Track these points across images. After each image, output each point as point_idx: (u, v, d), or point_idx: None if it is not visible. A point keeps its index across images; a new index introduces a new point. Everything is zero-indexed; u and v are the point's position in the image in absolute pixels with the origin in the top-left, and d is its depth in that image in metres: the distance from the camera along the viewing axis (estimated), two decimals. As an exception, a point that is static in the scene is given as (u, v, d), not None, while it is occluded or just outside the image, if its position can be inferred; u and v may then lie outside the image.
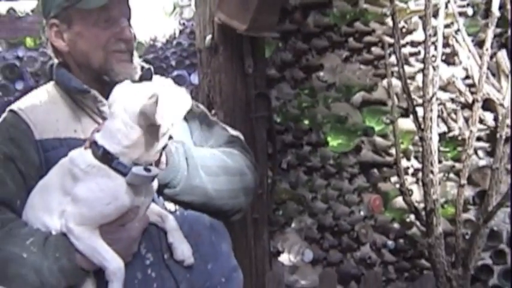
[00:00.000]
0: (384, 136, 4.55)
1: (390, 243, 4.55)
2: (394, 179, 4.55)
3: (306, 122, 4.42)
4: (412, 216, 4.42)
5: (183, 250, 2.02)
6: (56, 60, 2.22)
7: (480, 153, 4.60)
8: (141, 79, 2.16)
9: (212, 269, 2.12)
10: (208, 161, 2.14)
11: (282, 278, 4.10)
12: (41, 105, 2.14)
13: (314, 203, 4.45)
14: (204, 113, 2.40)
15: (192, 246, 2.05)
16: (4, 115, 2.17)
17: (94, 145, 1.88)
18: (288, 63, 4.43)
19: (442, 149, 4.48)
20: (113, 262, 1.86)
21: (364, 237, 4.49)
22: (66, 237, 1.88)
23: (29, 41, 6.78)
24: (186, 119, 2.22)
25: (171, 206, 2.09)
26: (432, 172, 3.83)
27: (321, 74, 4.42)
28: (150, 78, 2.20)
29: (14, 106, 2.15)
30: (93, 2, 2.05)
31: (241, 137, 2.39)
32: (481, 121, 4.39)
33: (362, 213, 4.51)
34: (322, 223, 4.44)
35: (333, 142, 4.39)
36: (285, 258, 4.38)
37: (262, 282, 4.11)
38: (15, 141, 2.07)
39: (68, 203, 1.89)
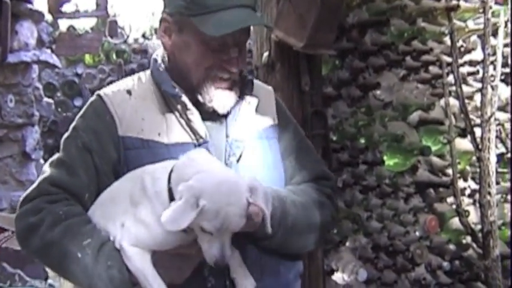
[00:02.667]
0: (441, 156, 4.53)
1: (446, 264, 4.51)
2: (450, 199, 4.53)
3: (362, 140, 4.42)
4: (469, 238, 4.41)
5: (247, 285, 1.98)
6: (159, 52, 2.20)
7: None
8: (242, 92, 2.13)
9: None
10: (299, 219, 2.09)
11: (335, 297, 4.08)
12: (130, 100, 2.12)
13: (369, 222, 4.44)
14: (300, 138, 2.35)
15: (257, 276, 2.01)
16: (92, 99, 2.16)
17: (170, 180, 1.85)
18: (345, 82, 4.45)
19: (499, 170, 4.46)
20: None
21: (419, 258, 4.45)
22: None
23: (88, 58, 6.96)
24: (279, 136, 2.23)
25: None
26: (490, 193, 3.83)
27: (378, 92, 4.42)
28: (251, 89, 2.16)
29: (104, 93, 2.14)
30: (209, 29, 1.97)
31: (331, 175, 2.36)
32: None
33: (417, 233, 4.48)
34: (377, 242, 4.43)
35: (389, 161, 4.38)
36: (338, 277, 4.36)
37: (315, 301, 4.09)
38: (97, 133, 2.07)
39: (130, 217, 1.90)
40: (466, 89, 4.36)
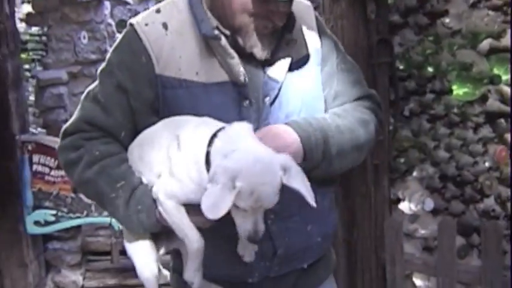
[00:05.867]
0: None
1: None
2: (522, 129, 4.46)
3: (430, 69, 4.42)
4: (541, 169, 4.38)
5: (248, 250, 2.08)
6: None
7: None
8: (283, 32, 2.10)
9: (311, 230, 2.19)
10: (344, 144, 2.11)
11: (401, 225, 4.17)
12: (167, 35, 2.07)
13: (436, 151, 4.46)
14: (342, 58, 2.32)
15: (295, 208, 2.09)
16: (127, 32, 2.12)
17: (211, 143, 1.87)
18: (412, 9, 4.43)
19: None
20: (195, 243, 1.93)
21: (488, 189, 4.45)
22: (151, 193, 1.98)
23: None
24: (322, 61, 2.23)
25: None
26: (561, 122, 3.81)
27: (447, 20, 4.38)
28: (292, 29, 2.13)
29: (139, 27, 2.09)
30: None
31: (374, 93, 2.37)
32: None
33: (487, 164, 4.45)
34: (444, 172, 4.46)
35: (459, 91, 4.38)
36: (405, 206, 4.45)
37: (381, 229, 4.22)
38: (132, 71, 2.07)
39: (166, 170, 1.95)
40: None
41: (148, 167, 2.02)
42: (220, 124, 1.94)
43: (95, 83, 2.14)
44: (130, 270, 5.53)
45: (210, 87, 2.06)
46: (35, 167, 5.09)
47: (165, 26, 2.09)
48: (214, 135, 1.88)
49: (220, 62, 2.07)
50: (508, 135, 4.44)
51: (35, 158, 5.07)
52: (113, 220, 5.04)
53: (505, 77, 4.38)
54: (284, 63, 2.13)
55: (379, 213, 4.22)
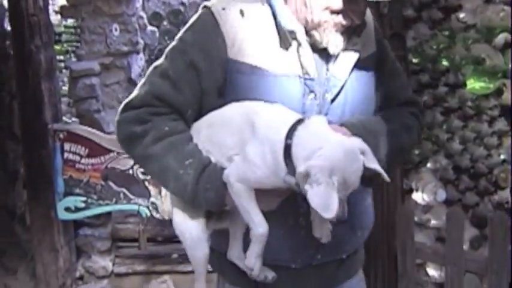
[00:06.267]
0: None
1: None
2: (538, 123, 4.46)
3: (444, 62, 4.47)
4: (556, 164, 4.42)
5: (323, 229, 2.14)
6: None
7: None
8: (352, 31, 2.15)
9: (354, 222, 2.26)
10: (391, 149, 2.19)
11: (412, 214, 4.26)
12: (243, 21, 2.12)
13: (450, 144, 4.51)
14: (393, 63, 2.44)
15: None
16: (203, 13, 2.17)
17: (290, 136, 1.92)
18: (426, 4, 4.49)
19: None
20: (260, 227, 1.99)
21: (503, 182, 4.47)
22: (222, 173, 2.03)
23: None
24: (376, 64, 2.30)
25: None
26: None
27: (461, 15, 4.42)
28: (360, 34, 2.20)
29: (216, 9, 2.13)
30: None
31: (419, 99, 2.47)
32: None
33: (502, 156, 4.48)
34: (458, 164, 4.51)
35: (474, 84, 4.42)
36: (418, 196, 4.52)
37: (392, 218, 4.30)
38: (206, 52, 2.11)
39: (239, 153, 2.00)
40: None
41: (217, 148, 2.07)
42: (294, 114, 2.01)
43: (161, 59, 2.18)
44: (158, 257, 5.77)
45: (280, 77, 2.11)
46: (66, 155, 5.22)
47: (241, 12, 2.13)
48: (293, 128, 1.94)
49: (292, 54, 2.12)
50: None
51: (66, 146, 5.20)
52: (141, 208, 5.23)
53: (521, 71, 4.43)
54: (349, 62, 2.19)
55: (391, 202, 4.31)
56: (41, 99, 5.31)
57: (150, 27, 6.50)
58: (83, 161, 5.23)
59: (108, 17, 5.87)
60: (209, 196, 2.04)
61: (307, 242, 2.20)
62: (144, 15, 6.41)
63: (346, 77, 2.19)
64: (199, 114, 2.18)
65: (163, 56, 2.19)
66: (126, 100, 2.16)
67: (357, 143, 1.93)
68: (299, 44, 2.10)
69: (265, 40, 2.12)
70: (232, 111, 2.09)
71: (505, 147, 4.48)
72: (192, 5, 7.20)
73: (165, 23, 7.18)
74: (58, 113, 5.63)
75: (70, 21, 6.99)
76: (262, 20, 2.14)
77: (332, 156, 1.84)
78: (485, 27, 4.42)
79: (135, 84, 5.70)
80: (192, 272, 5.25)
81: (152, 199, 5.23)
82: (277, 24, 2.12)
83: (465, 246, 4.21)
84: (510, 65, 4.26)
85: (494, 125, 4.52)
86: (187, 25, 2.20)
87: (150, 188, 5.18)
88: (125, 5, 5.92)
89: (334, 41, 2.10)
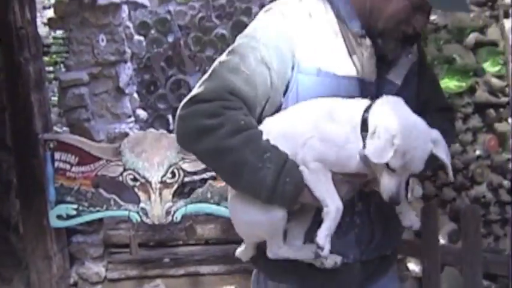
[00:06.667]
0: (501, 77, 4.64)
1: (506, 183, 4.69)
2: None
3: None
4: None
5: (411, 216, 2.20)
6: None
7: None
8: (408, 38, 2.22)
9: (397, 219, 2.26)
10: None
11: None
12: (311, 24, 2.19)
13: (426, 141, 4.60)
14: (429, 69, 2.54)
15: (387, 213, 2.24)
16: (273, 13, 2.23)
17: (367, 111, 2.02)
18: None
19: None
20: (335, 203, 2.02)
21: (479, 177, 4.65)
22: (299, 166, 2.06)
23: None
24: (418, 71, 2.40)
25: None
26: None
27: (432, 17, 4.45)
28: (413, 44, 2.30)
29: (285, 11, 2.20)
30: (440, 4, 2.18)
31: (451, 105, 2.54)
32: None
33: (477, 152, 4.65)
34: (434, 161, 4.61)
35: (449, 83, 4.56)
36: (395, 193, 4.62)
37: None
38: (278, 50, 2.16)
39: (314, 137, 2.04)
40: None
41: (292, 140, 2.09)
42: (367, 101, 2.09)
43: (226, 56, 2.19)
44: (150, 261, 5.87)
45: (342, 79, 2.19)
46: (56, 163, 5.30)
47: (310, 15, 2.21)
48: (370, 105, 2.04)
49: (354, 56, 2.20)
50: (497, 125, 4.63)
51: (57, 155, 5.29)
52: (131, 213, 5.33)
53: (494, 69, 4.57)
54: (404, 68, 2.31)
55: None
56: (31, 110, 5.42)
57: (137, 37, 6.61)
58: (73, 169, 5.32)
59: (95, 28, 5.98)
60: (288, 189, 2.06)
61: (360, 239, 2.29)
62: (131, 25, 6.52)
63: (400, 83, 2.30)
64: (262, 112, 2.21)
65: (228, 53, 2.21)
66: (191, 95, 2.14)
67: (433, 132, 2.00)
68: (366, 49, 2.19)
69: (329, 41, 2.20)
70: (304, 106, 2.14)
71: (479, 143, 4.61)
72: (178, 13, 7.29)
73: (152, 31, 7.27)
74: (48, 123, 5.75)
75: (59, 33, 7.10)
76: (327, 20, 2.22)
77: (399, 122, 1.93)
78: (456, 28, 4.57)
79: (123, 92, 5.87)
80: (184, 275, 5.38)
81: (142, 204, 5.30)
82: (341, 26, 2.21)
83: (444, 241, 4.34)
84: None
85: (468, 122, 4.68)
86: (256, 24, 2.25)
87: (140, 193, 5.28)
88: (112, 16, 6.03)
89: (394, 48, 2.20)
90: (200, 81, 2.17)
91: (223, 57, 2.20)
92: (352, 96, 2.15)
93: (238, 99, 2.09)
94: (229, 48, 2.22)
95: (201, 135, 2.07)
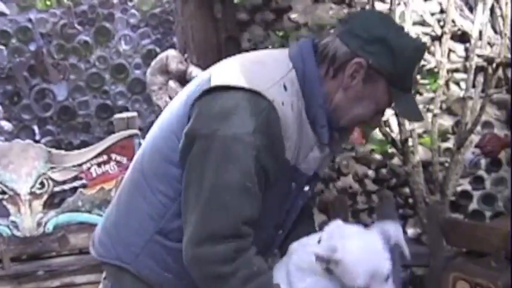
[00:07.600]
0: None
1: (370, 172, 4.92)
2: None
3: None
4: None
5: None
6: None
7: (462, 84, 4.84)
8: None
9: None
10: None
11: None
12: (292, 117, 2.05)
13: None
14: None
15: None
16: (266, 113, 1.97)
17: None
18: (258, 6, 4.80)
19: (422, 81, 4.86)
20: None
21: (345, 168, 4.84)
22: None
23: (39, 4, 7.24)
24: None
25: None
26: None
27: (293, 16, 4.75)
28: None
29: (278, 106, 2.00)
30: (401, 107, 2.19)
31: None
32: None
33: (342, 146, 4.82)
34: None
35: None
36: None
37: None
38: (275, 157, 2.03)
39: None
40: (381, 6, 4.68)
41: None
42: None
43: (217, 170, 1.98)
44: (23, 275, 5.77)
45: (299, 171, 2.15)
46: None
47: (292, 107, 2.06)
48: None
49: (315, 151, 2.16)
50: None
51: None
52: (1, 227, 5.22)
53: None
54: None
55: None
56: None
57: (-3, 46, 6.50)
58: None
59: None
60: None
61: None
62: (-12, 34, 6.40)
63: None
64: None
65: (218, 163, 1.99)
66: (200, 232, 2.00)
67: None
68: (321, 143, 2.16)
69: (298, 129, 2.09)
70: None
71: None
72: (39, 21, 7.19)
73: (13, 40, 7.15)
74: None
75: None
76: (301, 115, 2.10)
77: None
78: (316, 25, 4.75)
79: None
80: (59, 287, 5.28)
81: (12, 217, 5.14)
82: (319, 134, 2.14)
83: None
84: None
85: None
86: (254, 125, 1.98)
87: (9, 206, 5.17)
88: (-31, 25, 5.94)
89: (348, 138, 2.40)
90: (202, 209, 2.01)
91: (215, 176, 2.00)
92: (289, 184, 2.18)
93: (251, 229, 2.03)
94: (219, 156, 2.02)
95: (216, 283, 2.00)
